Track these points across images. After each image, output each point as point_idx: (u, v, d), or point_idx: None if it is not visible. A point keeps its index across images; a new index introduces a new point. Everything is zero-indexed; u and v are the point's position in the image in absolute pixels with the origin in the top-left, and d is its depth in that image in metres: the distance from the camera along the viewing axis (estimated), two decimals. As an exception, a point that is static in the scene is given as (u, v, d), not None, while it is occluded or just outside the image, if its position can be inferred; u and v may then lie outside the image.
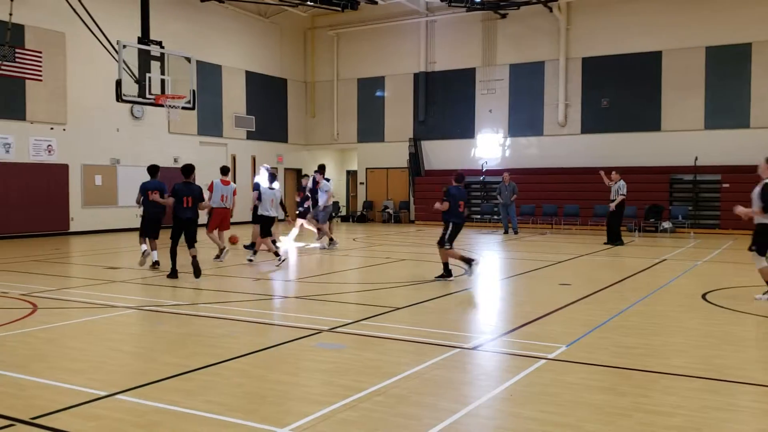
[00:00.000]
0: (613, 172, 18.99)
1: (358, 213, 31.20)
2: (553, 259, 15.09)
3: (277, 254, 13.69)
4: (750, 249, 9.69)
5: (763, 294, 9.75)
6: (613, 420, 4.74)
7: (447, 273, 11.77)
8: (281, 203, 14.66)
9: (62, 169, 21.88)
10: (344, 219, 32.08)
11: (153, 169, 13.71)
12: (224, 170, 15.43)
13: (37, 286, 10.99)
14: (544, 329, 7.84)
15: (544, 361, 6.30)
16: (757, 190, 9.53)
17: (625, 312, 8.82)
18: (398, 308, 9.11)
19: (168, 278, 11.91)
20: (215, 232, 15.04)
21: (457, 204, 11.71)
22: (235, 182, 18.07)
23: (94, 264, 14.51)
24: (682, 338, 7.53)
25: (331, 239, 17.26)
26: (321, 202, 16.99)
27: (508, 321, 8.65)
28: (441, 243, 11.76)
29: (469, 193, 28.24)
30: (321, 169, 17.66)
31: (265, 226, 13.93)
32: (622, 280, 11.75)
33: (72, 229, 22.18)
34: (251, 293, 10.89)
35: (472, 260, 11.86)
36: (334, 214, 31.78)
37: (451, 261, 11.91)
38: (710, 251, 16.88)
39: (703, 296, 10.02)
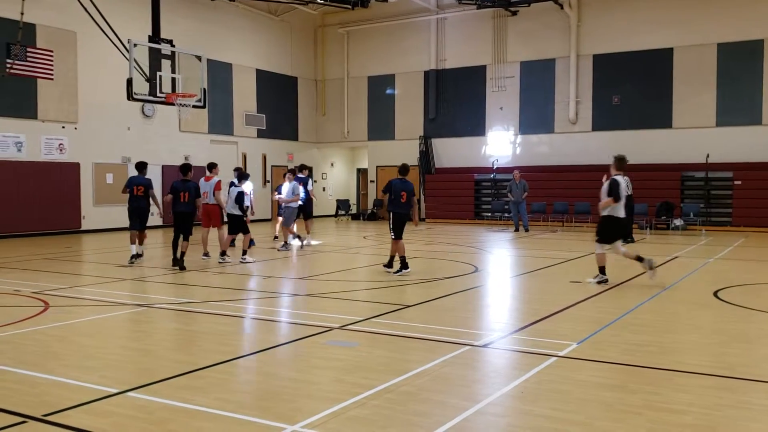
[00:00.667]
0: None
1: (369, 211, 31.20)
2: (563, 256, 15.04)
3: (223, 254, 14.11)
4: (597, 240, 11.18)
5: (594, 278, 10.98)
6: (624, 418, 4.72)
7: (404, 265, 12.10)
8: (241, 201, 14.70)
9: (74, 168, 21.97)
10: (354, 217, 32.09)
11: (141, 166, 14.65)
12: (209, 167, 15.18)
13: (48, 284, 11.04)
14: (555, 327, 7.81)
15: (554, 358, 6.28)
16: (605, 185, 11.14)
17: (636, 309, 8.78)
18: (408, 306, 9.11)
19: (172, 267, 13.05)
20: (208, 230, 14.99)
21: (399, 195, 12.15)
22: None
23: (106, 262, 14.56)
24: (694, 336, 7.50)
25: (285, 243, 16.59)
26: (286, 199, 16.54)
27: (518, 318, 8.63)
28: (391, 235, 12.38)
29: (479, 191, 28.25)
30: (299, 169, 17.66)
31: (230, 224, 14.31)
32: (633, 278, 11.69)
33: (84, 227, 22.29)
34: (261, 291, 10.91)
35: (406, 265, 12.21)
36: (345, 212, 31.97)
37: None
38: (722, 248, 16.79)
39: (715, 293, 9.96)
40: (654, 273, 10.80)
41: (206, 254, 14.58)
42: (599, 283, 10.84)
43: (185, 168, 13.68)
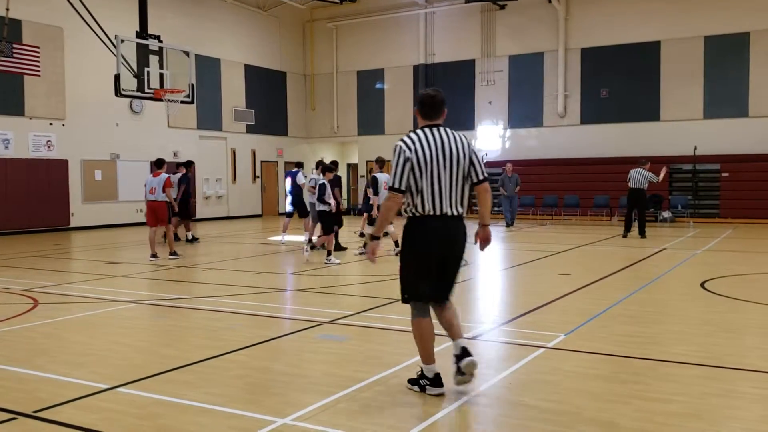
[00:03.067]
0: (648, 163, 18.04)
1: (359, 206, 31.19)
2: (553, 249, 15.11)
3: (329, 253, 13.38)
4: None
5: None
6: (612, 407, 4.77)
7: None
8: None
9: (62, 165, 21.90)
10: (345, 212, 32.07)
11: (159, 163, 14.69)
12: (159, 163, 14.51)
13: (38, 281, 11.02)
14: (543, 319, 7.86)
15: (542, 350, 6.33)
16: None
17: (624, 301, 8.84)
18: (398, 299, 9.12)
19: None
20: (155, 230, 14.09)
21: None
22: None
23: (95, 259, 14.54)
24: (682, 326, 7.56)
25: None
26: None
27: (507, 311, 8.68)
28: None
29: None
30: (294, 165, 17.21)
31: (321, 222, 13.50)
32: (621, 270, 11.77)
33: (72, 224, 22.22)
34: (251, 286, 10.91)
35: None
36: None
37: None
38: (709, 240, 16.91)
39: (702, 284, 10.04)
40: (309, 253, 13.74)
41: (155, 255, 13.75)
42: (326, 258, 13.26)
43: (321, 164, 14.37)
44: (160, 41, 17.73)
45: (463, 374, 5.05)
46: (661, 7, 24.46)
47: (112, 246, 17.41)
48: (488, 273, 12.15)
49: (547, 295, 9.23)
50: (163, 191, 13.92)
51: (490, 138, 27.87)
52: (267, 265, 13.54)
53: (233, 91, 28.27)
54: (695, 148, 23.41)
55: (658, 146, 24.47)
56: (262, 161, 29.62)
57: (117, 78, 16.47)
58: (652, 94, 24.82)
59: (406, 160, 4.93)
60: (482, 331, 7.21)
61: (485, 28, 27.84)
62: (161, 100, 17.71)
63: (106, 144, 23.26)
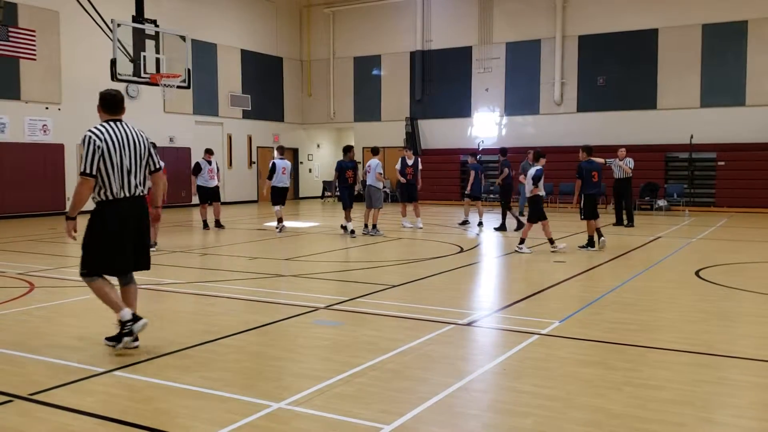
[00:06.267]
0: (622, 150, 18.20)
1: (355, 192, 31.14)
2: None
3: (551, 242, 12.75)
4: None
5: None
6: (605, 393, 4.81)
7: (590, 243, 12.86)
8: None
9: (58, 149, 21.82)
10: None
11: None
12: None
13: (33, 265, 11.02)
14: (538, 305, 7.90)
15: (537, 336, 6.36)
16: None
17: (618, 288, 8.88)
18: (394, 286, 9.16)
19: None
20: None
21: (590, 176, 12.81)
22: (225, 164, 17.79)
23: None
24: (675, 314, 7.60)
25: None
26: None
27: (502, 297, 8.71)
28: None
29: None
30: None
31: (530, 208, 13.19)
32: (616, 258, 11.81)
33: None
34: (247, 272, 10.92)
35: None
36: (331, 193, 31.96)
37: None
38: (704, 229, 16.95)
39: (697, 273, 10.08)
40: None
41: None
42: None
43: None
44: (157, 26, 17.63)
45: (136, 339, 5.85)
46: (659, -6, 24.41)
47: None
48: (483, 260, 12.18)
49: (541, 283, 9.27)
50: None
51: (487, 125, 27.84)
52: (263, 250, 13.55)
53: (230, 77, 28.15)
54: (692, 137, 23.40)
55: (655, 134, 24.49)
56: (258, 147, 29.55)
57: (113, 62, 16.38)
58: (649, 82, 24.80)
59: (97, 148, 5.71)
60: (478, 318, 7.24)
61: (483, 14, 27.74)
62: (157, 84, 17.63)
63: (102, 128, 23.14)
